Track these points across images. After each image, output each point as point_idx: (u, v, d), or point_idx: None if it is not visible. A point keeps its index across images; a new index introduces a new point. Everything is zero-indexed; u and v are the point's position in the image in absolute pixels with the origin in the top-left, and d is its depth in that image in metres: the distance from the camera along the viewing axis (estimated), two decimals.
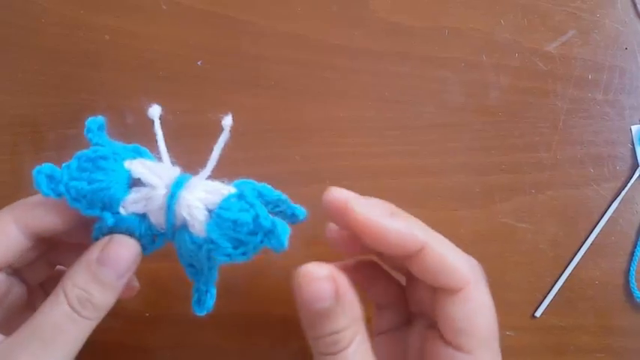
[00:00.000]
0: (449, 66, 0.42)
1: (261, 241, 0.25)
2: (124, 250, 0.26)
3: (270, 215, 0.25)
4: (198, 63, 0.41)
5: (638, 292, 0.39)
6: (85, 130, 0.28)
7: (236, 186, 0.27)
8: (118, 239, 0.26)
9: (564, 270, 0.39)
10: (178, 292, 0.38)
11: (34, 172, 0.26)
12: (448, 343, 0.26)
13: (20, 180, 0.40)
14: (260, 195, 0.26)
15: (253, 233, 0.25)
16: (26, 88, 0.40)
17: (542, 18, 0.43)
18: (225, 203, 0.25)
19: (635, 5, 0.43)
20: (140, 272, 0.38)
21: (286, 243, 0.24)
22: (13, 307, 0.30)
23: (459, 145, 0.41)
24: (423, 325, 0.29)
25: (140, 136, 0.40)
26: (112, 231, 0.27)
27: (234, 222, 0.25)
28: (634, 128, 0.41)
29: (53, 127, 0.40)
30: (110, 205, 0.26)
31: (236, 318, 0.38)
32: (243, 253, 0.25)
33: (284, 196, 0.27)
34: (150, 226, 0.27)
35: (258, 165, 0.41)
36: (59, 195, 0.26)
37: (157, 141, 0.28)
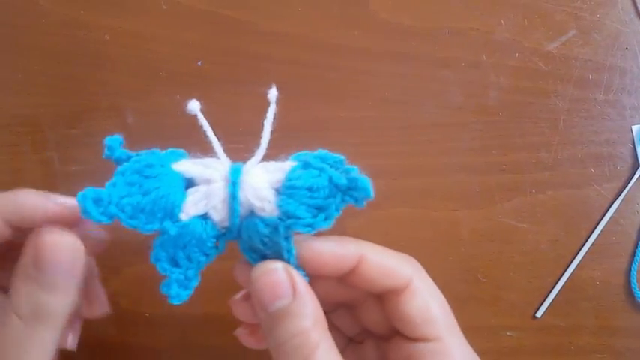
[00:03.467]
0: (449, 66, 0.42)
1: (343, 200, 0.24)
2: (58, 253, 0.23)
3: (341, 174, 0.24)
4: (199, 63, 0.41)
5: (638, 292, 0.39)
6: (107, 150, 0.26)
7: (295, 159, 0.26)
8: (46, 238, 0.23)
9: (565, 270, 0.39)
10: None
11: (78, 198, 0.23)
12: (414, 339, 0.26)
13: (21, 180, 0.40)
14: (322, 160, 0.25)
15: (332, 196, 0.24)
16: (27, 88, 0.40)
17: (543, 18, 0.43)
18: (293, 175, 0.25)
19: (635, 5, 0.43)
20: (141, 272, 0.38)
21: (372, 192, 0.23)
22: None
23: (459, 145, 0.41)
24: (375, 343, 0.30)
25: (142, 137, 0.40)
26: (175, 242, 0.25)
27: (310, 189, 0.24)
28: (634, 128, 0.41)
29: (54, 127, 0.40)
30: (171, 213, 0.24)
31: (236, 318, 0.38)
32: (326, 218, 0.24)
33: (342, 157, 0.26)
34: (213, 227, 0.25)
35: None
36: (112, 218, 0.24)
37: (205, 134, 0.26)
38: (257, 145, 0.40)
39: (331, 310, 0.31)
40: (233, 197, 0.25)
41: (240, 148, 0.40)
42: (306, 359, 0.23)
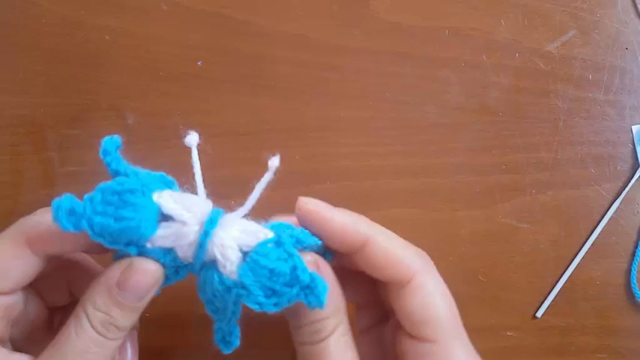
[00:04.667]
0: (449, 66, 0.42)
1: (297, 295, 0.24)
2: (145, 277, 0.25)
3: (307, 268, 0.24)
4: (199, 63, 0.41)
5: (639, 292, 0.39)
6: (101, 152, 0.25)
7: (273, 229, 0.25)
8: (137, 266, 0.25)
9: (565, 270, 0.39)
10: (178, 292, 0.38)
11: (53, 205, 0.23)
12: (412, 336, 0.26)
13: (21, 180, 0.40)
14: (298, 242, 0.25)
15: (289, 285, 0.23)
16: (26, 89, 0.40)
17: (543, 18, 0.43)
18: (262, 249, 0.24)
19: (635, 5, 0.43)
20: None
21: (325, 301, 0.23)
22: (33, 327, 0.29)
23: (459, 145, 0.41)
24: (395, 322, 0.29)
25: (142, 137, 0.40)
26: None
27: (271, 271, 0.23)
28: (635, 128, 0.41)
29: (53, 127, 0.40)
30: (137, 242, 0.24)
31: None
32: (275, 304, 0.24)
33: (320, 242, 0.26)
34: (175, 259, 0.25)
35: (258, 165, 0.40)
36: (80, 229, 0.24)
37: (193, 173, 0.26)
38: (256, 144, 0.41)
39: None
40: (201, 245, 0.24)
41: (239, 147, 0.40)
42: (319, 343, 0.24)
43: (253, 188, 0.26)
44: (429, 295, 0.26)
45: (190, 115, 0.40)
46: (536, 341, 0.39)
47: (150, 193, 0.25)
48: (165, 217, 0.25)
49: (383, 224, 0.40)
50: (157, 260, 0.25)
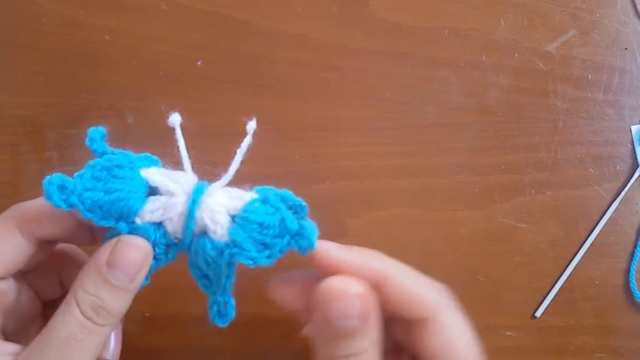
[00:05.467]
0: (449, 66, 0.42)
1: (288, 243, 0.25)
2: (134, 252, 0.25)
3: (294, 218, 0.25)
4: (198, 63, 0.41)
5: (638, 292, 0.39)
6: (88, 140, 0.27)
7: (258, 192, 0.26)
8: (126, 240, 0.25)
9: (564, 270, 0.39)
10: (178, 291, 0.38)
11: (45, 182, 0.24)
12: None
13: (21, 180, 0.40)
14: (282, 200, 0.26)
15: (280, 236, 0.25)
16: (26, 88, 0.40)
17: (542, 18, 0.43)
18: (250, 207, 0.25)
19: (634, 5, 0.43)
20: None
21: (316, 243, 0.24)
22: (26, 320, 0.29)
23: (459, 145, 0.41)
24: (407, 358, 0.29)
25: (142, 137, 0.40)
26: None
27: (261, 225, 0.25)
28: (634, 128, 0.41)
29: (53, 127, 0.40)
30: (127, 216, 0.25)
31: (236, 318, 0.38)
32: (268, 256, 0.25)
33: (304, 204, 0.26)
34: (164, 235, 0.26)
35: (258, 165, 0.40)
36: (71, 206, 0.24)
37: (178, 147, 0.27)
38: (256, 144, 0.41)
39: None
40: (190, 214, 0.25)
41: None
42: None
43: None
44: (450, 334, 0.25)
45: (190, 115, 0.40)
46: (536, 341, 0.39)
47: (137, 169, 0.26)
48: (153, 192, 0.26)
49: (383, 224, 0.40)
50: (148, 238, 0.26)
